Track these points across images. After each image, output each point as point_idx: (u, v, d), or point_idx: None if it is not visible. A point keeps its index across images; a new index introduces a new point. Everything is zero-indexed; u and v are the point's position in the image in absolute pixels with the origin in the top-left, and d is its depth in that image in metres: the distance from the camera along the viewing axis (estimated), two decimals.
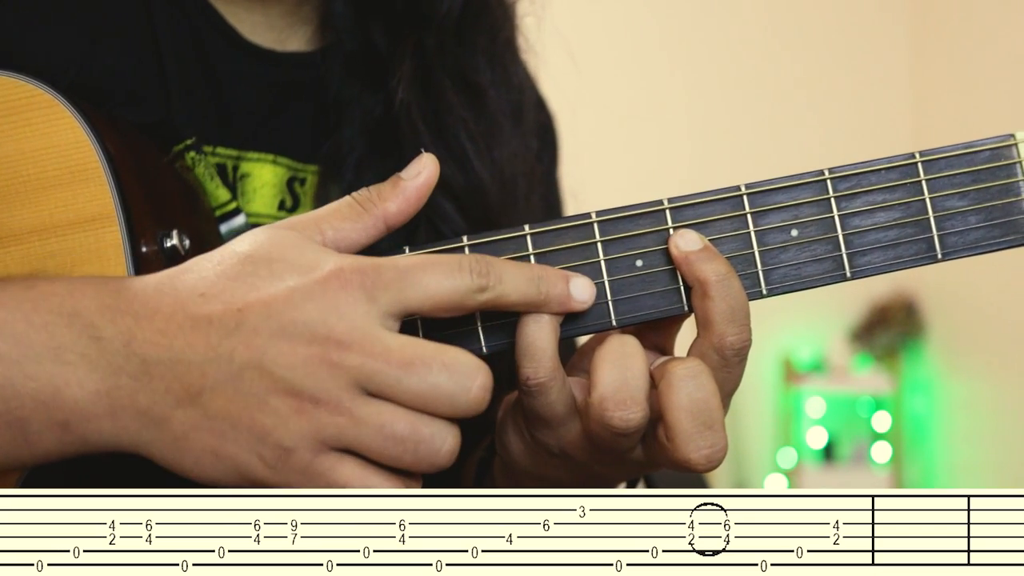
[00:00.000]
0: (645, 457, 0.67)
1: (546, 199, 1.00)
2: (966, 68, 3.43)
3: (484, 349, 0.66)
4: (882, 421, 3.61)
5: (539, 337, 0.64)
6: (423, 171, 0.64)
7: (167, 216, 0.73)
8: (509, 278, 0.61)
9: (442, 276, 0.59)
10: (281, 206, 0.86)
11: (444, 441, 0.58)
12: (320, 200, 0.86)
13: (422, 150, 0.65)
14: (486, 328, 0.66)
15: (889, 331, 3.55)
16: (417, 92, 0.86)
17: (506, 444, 0.71)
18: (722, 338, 0.64)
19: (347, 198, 0.63)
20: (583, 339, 0.75)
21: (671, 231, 0.66)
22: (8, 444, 0.60)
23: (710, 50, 3.65)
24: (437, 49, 0.87)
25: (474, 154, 0.87)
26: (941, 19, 3.62)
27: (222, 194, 0.81)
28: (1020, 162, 0.68)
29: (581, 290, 0.64)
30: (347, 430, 0.57)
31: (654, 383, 0.64)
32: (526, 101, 0.95)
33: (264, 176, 0.85)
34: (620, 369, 0.63)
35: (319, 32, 0.89)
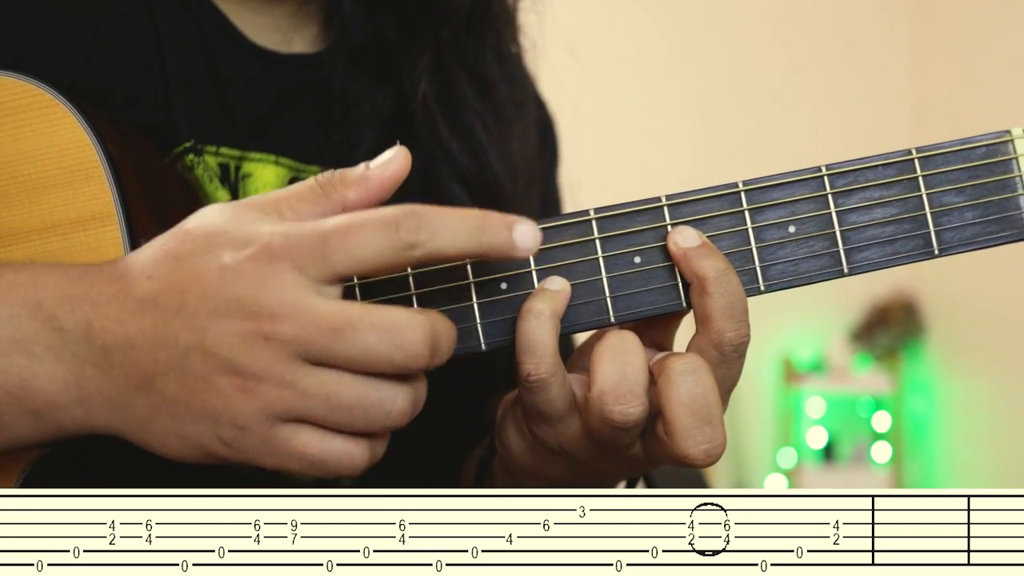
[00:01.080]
0: (644, 453, 0.67)
1: (545, 198, 1.01)
2: (965, 66, 3.43)
3: (483, 346, 0.66)
4: (882, 421, 3.61)
5: (539, 333, 0.64)
6: (392, 164, 0.61)
7: (167, 216, 0.73)
8: (444, 231, 0.58)
9: (368, 237, 0.57)
10: None
11: (393, 403, 0.57)
12: None
13: (397, 142, 0.63)
14: (484, 325, 0.66)
15: (889, 331, 3.55)
16: (435, 85, 0.86)
17: (506, 442, 0.71)
18: (721, 334, 0.64)
19: (311, 179, 0.62)
20: (582, 338, 0.75)
21: (669, 228, 0.66)
22: None
23: (710, 48, 3.65)
24: (451, 42, 0.87)
25: (488, 146, 0.87)
26: (941, 17, 3.62)
27: (222, 195, 0.81)
28: (1016, 158, 0.68)
29: (524, 236, 0.60)
30: (294, 403, 0.56)
31: (653, 379, 0.64)
32: (528, 97, 0.95)
33: (266, 176, 0.85)
34: (619, 364, 0.63)
35: (323, 32, 0.90)
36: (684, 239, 0.66)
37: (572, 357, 0.71)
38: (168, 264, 0.58)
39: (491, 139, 0.88)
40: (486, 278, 0.66)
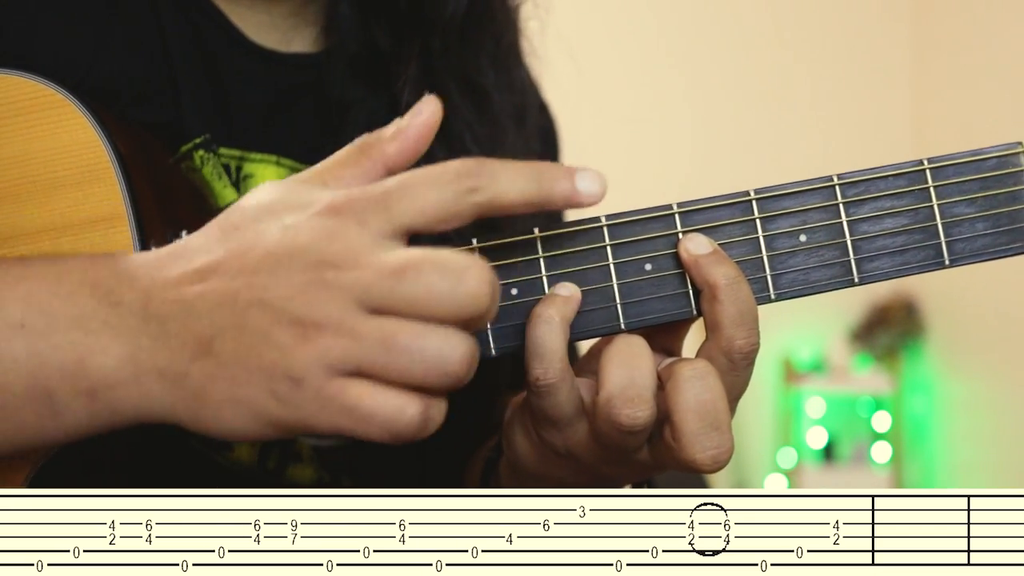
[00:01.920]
0: (651, 458, 0.67)
1: None
2: (968, 70, 3.43)
3: (493, 351, 0.66)
4: (882, 421, 3.61)
5: (549, 338, 0.64)
6: (423, 111, 0.62)
7: (177, 216, 0.73)
8: (504, 176, 0.59)
9: (429, 184, 0.57)
10: None
11: (454, 349, 0.55)
12: None
13: (426, 92, 0.63)
14: (494, 331, 0.66)
15: (889, 331, 3.56)
16: (421, 95, 0.86)
17: (513, 444, 0.71)
18: (730, 342, 0.64)
19: (349, 145, 0.62)
20: (587, 344, 0.75)
21: (680, 235, 0.66)
22: (36, 417, 0.59)
23: (713, 53, 3.65)
24: (441, 52, 0.87)
25: (478, 156, 0.87)
26: (943, 21, 3.62)
27: (229, 194, 0.81)
28: None
29: (589, 182, 0.60)
30: (352, 350, 0.55)
31: (661, 384, 0.64)
32: (529, 104, 0.95)
33: (267, 176, 0.85)
34: (628, 368, 0.63)
35: (323, 33, 0.89)
36: (695, 246, 0.65)
37: (580, 362, 0.71)
38: (227, 236, 0.58)
39: (481, 149, 0.87)
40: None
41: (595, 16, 3.32)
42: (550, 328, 0.64)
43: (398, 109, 0.86)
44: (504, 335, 0.66)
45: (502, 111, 0.89)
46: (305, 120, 0.88)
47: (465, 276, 0.55)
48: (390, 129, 0.62)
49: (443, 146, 0.85)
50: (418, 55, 0.86)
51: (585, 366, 0.70)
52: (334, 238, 0.56)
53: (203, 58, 0.83)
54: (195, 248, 0.59)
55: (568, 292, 0.66)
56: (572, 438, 0.67)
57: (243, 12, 0.85)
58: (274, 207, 0.58)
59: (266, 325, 0.56)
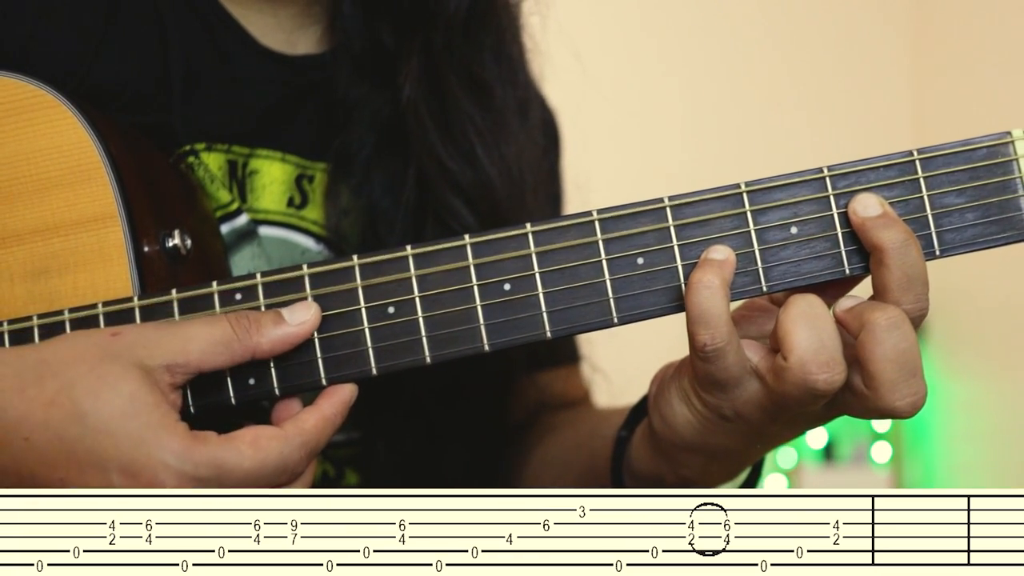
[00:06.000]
0: (826, 411, 0.67)
1: (551, 194, 1.01)
2: (966, 67, 3.43)
3: (487, 347, 0.66)
4: (882, 421, 3.61)
5: (712, 304, 0.64)
6: (307, 321, 0.65)
7: (169, 216, 0.73)
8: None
9: (264, 482, 0.62)
10: (290, 203, 0.86)
11: None
12: (330, 198, 0.87)
13: (309, 298, 0.66)
14: (488, 327, 0.66)
15: None
16: (424, 89, 0.86)
17: (668, 417, 0.71)
18: (897, 306, 0.64)
19: (226, 322, 0.64)
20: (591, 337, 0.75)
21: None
22: None
23: (713, 48, 3.65)
24: (444, 47, 0.87)
25: (482, 150, 0.87)
26: (941, 17, 3.62)
27: (223, 196, 0.82)
28: (1017, 159, 0.68)
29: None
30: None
31: (846, 329, 0.64)
32: (531, 97, 0.95)
33: (273, 173, 0.85)
34: (815, 331, 0.63)
35: (328, 32, 0.90)
36: (864, 207, 0.65)
37: (737, 322, 0.70)
38: (49, 438, 0.60)
39: (484, 143, 0.88)
40: (489, 281, 0.66)
41: (596, 11, 3.32)
42: (711, 293, 0.64)
43: (401, 105, 0.86)
44: (498, 330, 0.66)
45: (505, 105, 0.90)
46: (310, 118, 0.88)
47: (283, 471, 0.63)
48: (269, 321, 0.65)
49: (446, 139, 0.86)
50: (419, 50, 0.86)
51: (742, 326, 0.70)
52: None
53: (213, 58, 0.84)
54: (14, 421, 0.60)
55: (723, 255, 0.66)
56: (740, 399, 0.66)
57: (251, 14, 0.86)
58: (106, 440, 0.60)
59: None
